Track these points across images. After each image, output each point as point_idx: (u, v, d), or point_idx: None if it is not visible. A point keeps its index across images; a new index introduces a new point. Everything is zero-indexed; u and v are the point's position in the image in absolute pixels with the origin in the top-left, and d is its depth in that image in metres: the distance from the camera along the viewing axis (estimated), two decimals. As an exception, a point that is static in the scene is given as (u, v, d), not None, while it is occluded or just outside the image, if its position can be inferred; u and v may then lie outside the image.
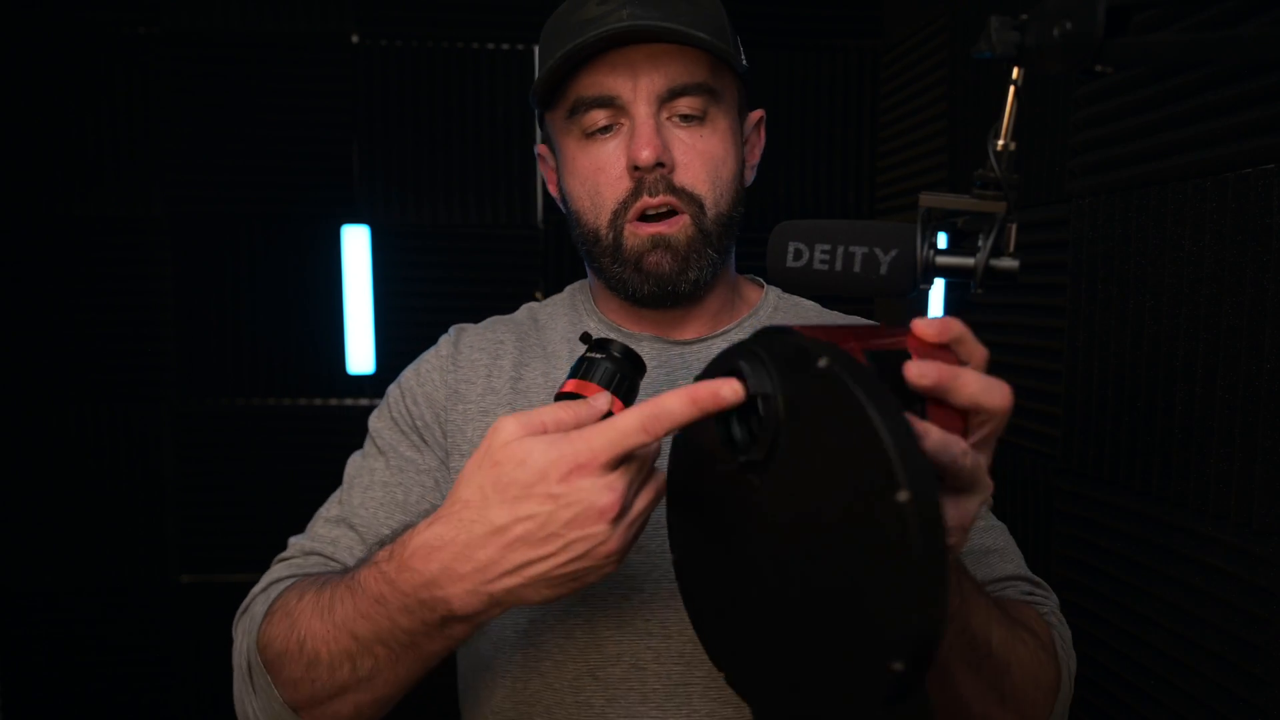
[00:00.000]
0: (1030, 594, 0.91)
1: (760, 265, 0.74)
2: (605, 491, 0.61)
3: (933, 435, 0.55)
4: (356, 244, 2.25)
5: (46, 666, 2.27)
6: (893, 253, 0.64)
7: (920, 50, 2.05)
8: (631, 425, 0.61)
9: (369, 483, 0.93)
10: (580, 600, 0.88)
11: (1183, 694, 1.11)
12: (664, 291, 0.90)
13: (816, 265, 0.68)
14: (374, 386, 2.27)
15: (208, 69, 2.20)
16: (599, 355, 0.73)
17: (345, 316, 2.26)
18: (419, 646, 0.71)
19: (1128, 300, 1.21)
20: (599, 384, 0.71)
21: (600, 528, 0.61)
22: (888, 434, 0.46)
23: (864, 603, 0.49)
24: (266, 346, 2.28)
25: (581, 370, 0.73)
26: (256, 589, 0.89)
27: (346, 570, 0.79)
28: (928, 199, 0.63)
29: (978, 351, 0.63)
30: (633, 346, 0.95)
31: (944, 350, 0.61)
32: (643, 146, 0.85)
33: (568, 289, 1.07)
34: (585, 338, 0.77)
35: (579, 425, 0.64)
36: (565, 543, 0.62)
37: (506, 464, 0.63)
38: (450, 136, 2.26)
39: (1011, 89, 0.60)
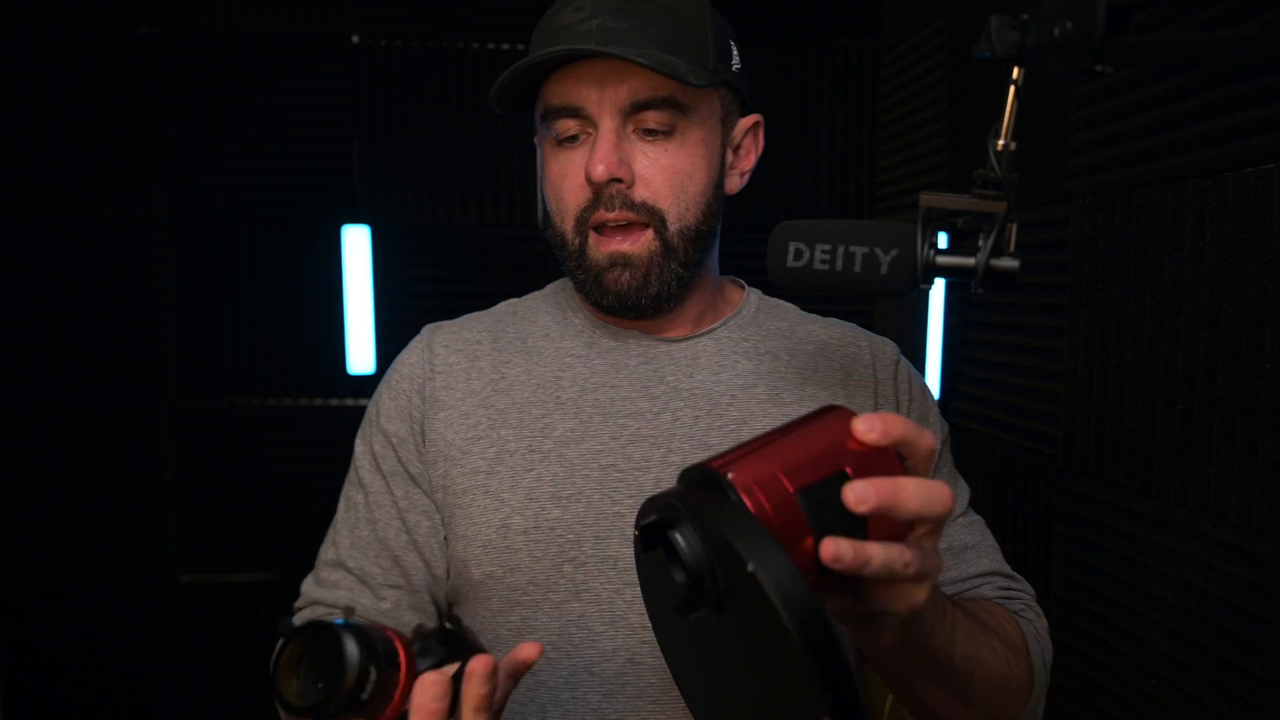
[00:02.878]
0: (1006, 589, 0.93)
1: (761, 265, 0.74)
2: None
3: (875, 559, 0.55)
4: (356, 244, 2.24)
5: (46, 666, 2.27)
6: (893, 252, 0.65)
7: (920, 50, 2.05)
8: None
9: (354, 521, 0.96)
10: (574, 597, 0.89)
11: (1183, 694, 1.11)
12: (624, 306, 0.91)
13: (817, 265, 0.68)
14: (374, 387, 2.26)
15: (207, 69, 2.19)
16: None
17: (345, 316, 2.26)
18: None
19: (1128, 300, 1.21)
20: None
21: None
22: (810, 659, 0.49)
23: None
24: (266, 346, 2.28)
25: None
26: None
27: None
28: (928, 199, 0.63)
29: (921, 443, 0.60)
30: (619, 343, 0.96)
31: (885, 453, 0.59)
32: (597, 162, 0.85)
33: (551, 285, 1.07)
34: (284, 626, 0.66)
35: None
36: None
37: None
38: (450, 136, 2.26)
39: (1012, 89, 0.60)
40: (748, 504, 0.56)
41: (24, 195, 2.17)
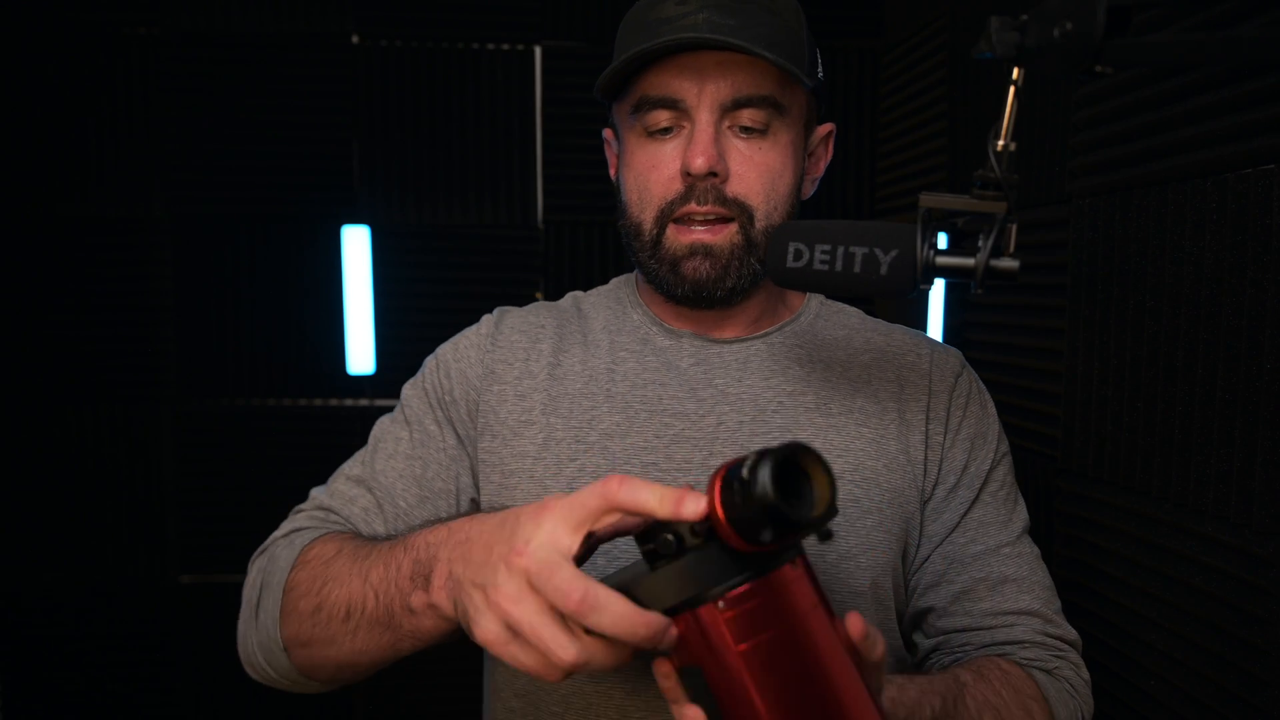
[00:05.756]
0: (1041, 632, 0.90)
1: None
2: None
3: None
4: (356, 244, 2.24)
5: (46, 666, 2.27)
6: (893, 253, 0.65)
7: (920, 50, 2.05)
8: None
9: (393, 451, 0.95)
10: None
11: (1183, 694, 1.11)
12: (699, 296, 0.91)
13: (817, 265, 0.68)
14: (374, 387, 2.27)
15: (207, 69, 2.19)
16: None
17: (345, 317, 2.26)
18: (395, 617, 0.72)
19: (1128, 300, 1.21)
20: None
21: None
22: None
23: None
24: (266, 346, 2.28)
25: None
26: (278, 534, 0.93)
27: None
28: (928, 199, 0.63)
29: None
30: (673, 343, 0.96)
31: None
32: (697, 154, 0.85)
33: (613, 281, 1.07)
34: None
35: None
36: None
37: None
38: (450, 136, 2.26)
39: (1011, 89, 0.60)
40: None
41: (24, 195, 2.17)
